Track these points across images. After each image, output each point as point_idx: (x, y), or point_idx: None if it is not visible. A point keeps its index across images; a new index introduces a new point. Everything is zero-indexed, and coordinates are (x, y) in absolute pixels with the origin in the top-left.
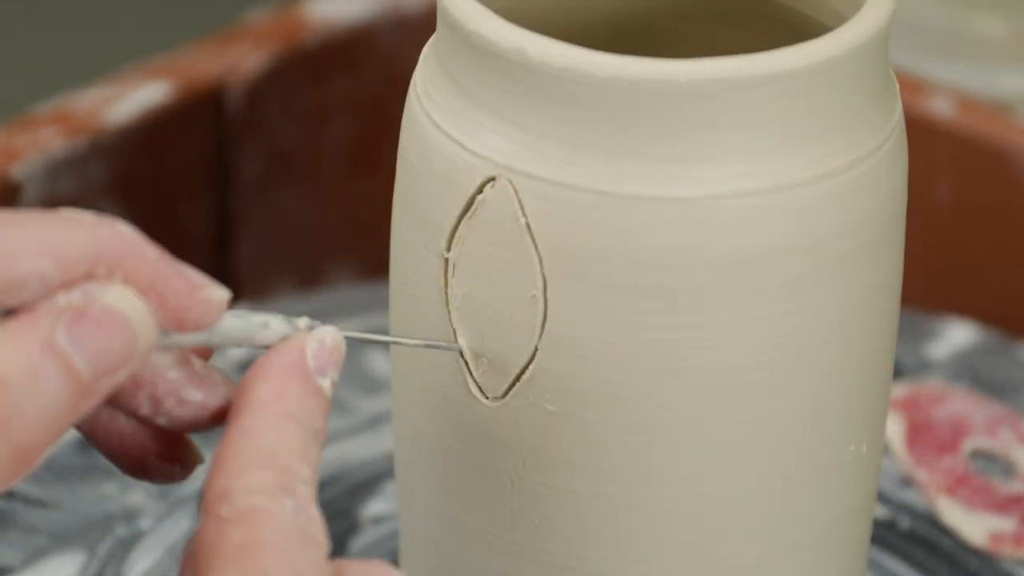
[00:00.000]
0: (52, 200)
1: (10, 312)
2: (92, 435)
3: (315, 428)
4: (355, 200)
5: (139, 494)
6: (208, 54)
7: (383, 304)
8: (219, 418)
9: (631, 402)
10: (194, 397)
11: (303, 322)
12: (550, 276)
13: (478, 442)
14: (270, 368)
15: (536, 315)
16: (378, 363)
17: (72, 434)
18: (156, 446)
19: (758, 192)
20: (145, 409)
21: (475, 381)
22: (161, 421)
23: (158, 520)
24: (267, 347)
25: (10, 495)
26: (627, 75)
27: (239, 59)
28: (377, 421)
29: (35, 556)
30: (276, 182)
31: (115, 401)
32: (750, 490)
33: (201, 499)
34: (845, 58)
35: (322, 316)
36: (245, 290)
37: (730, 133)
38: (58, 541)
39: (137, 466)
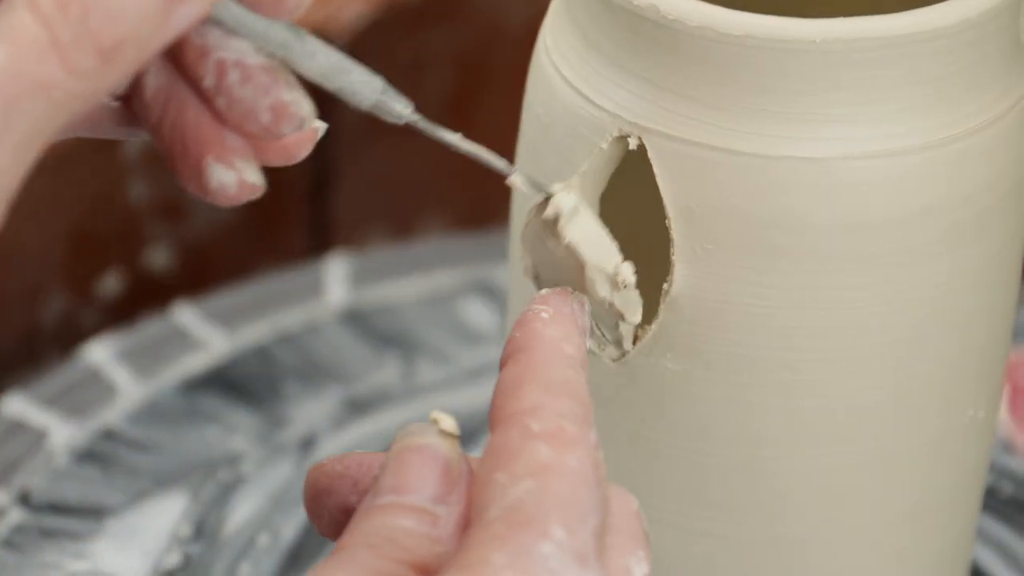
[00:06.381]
0: None
1: None
2: (158, 128)
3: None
4: (450, 152)
5: (241, 439)
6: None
7: (480, 255)
8: (276, 116)
9: (755, 363)
10: (259, 75)
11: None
12: (677, 235)
13: (597, 400)
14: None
15: (663, 274)
16: (474, 313)
17: (175, 378)
18: (215, 146)
19: (891, 153)
20: (209, 80)
21: (603, 335)
22: (220, 102)
23: (259, 465)
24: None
25: (113, 437)
26: (761, 34)
27: (339, 10)
28: (477, 373)
29: (137, 497)
30: (372, 133)
31: (182, 65)
32: (880, 453)
33: (498, 410)
34: (979, 19)
35: (418, 265)
36: (339, 239)
37: (862, 93)
38: (161, 484)
39: (192, 172)
